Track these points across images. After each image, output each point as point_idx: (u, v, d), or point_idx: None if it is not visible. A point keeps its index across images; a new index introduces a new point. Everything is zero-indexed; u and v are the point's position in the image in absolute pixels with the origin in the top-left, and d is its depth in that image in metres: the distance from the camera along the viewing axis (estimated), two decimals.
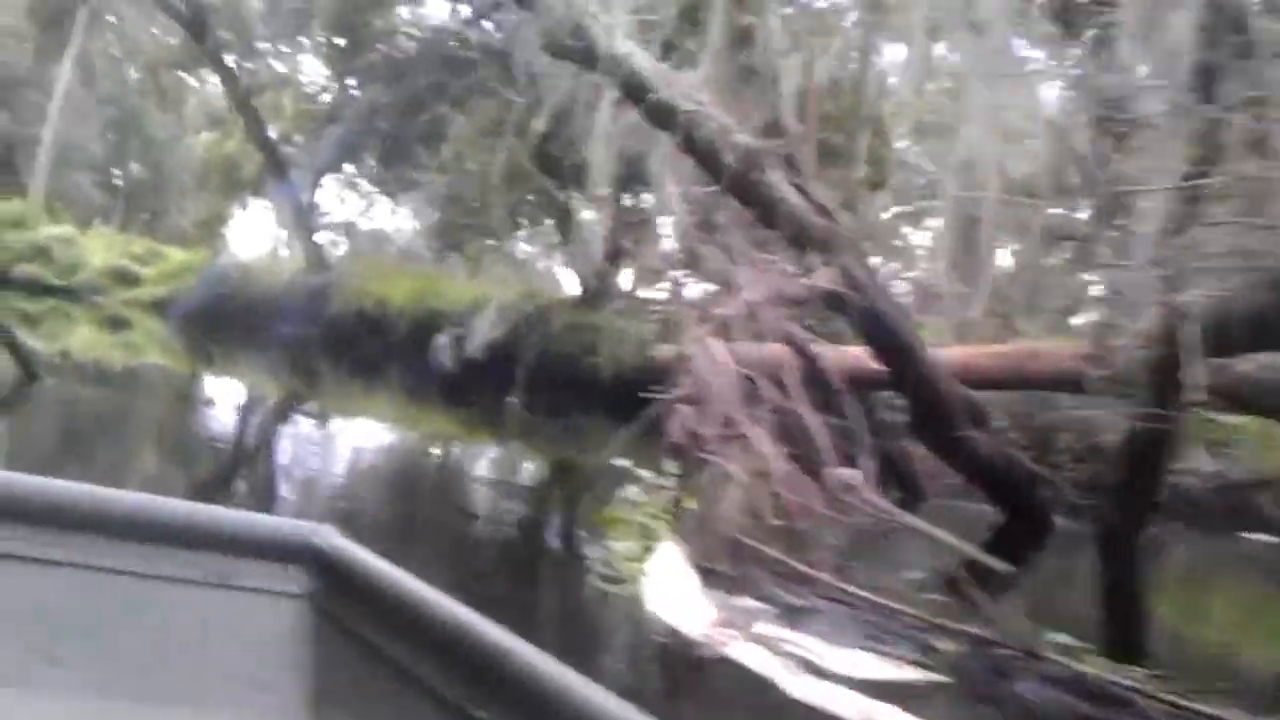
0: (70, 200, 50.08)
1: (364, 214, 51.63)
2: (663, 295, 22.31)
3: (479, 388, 23.88)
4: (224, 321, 33.86)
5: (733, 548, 9.43)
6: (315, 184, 39.69)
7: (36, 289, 37.62)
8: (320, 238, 39.07)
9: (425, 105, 29.44)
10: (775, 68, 13.82)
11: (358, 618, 2.06)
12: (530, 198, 29.77)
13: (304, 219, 37.25)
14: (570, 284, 31.49)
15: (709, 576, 8.73)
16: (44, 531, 1.99)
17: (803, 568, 9.25)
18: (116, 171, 57.89)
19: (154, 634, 2.06)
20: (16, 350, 14.86)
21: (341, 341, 30.54)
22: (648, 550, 9.33)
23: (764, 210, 12.29)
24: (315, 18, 33.23)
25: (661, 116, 12.21)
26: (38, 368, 15.15)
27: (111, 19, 56.36)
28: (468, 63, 28.95)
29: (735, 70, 13.86)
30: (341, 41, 32.40)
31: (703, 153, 12.29)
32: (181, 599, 2.09)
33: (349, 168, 34.71)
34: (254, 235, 54.95)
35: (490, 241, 31.87)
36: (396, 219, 53.75)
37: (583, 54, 12.38)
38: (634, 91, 12.29)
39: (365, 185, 45.60)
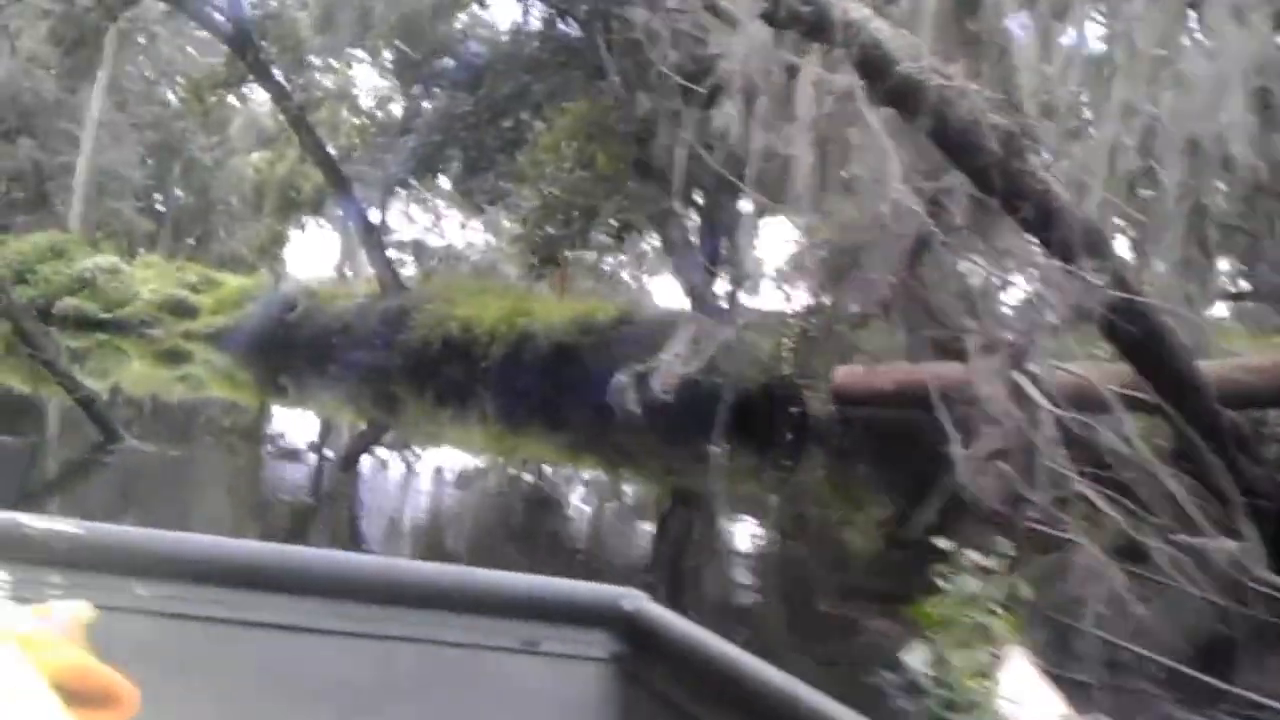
0: (111, 229, 48.18)
1: (434, 230, 50.03)
2: (793, 308, 19.87)
3: (666, 431, 21.01)
4: (292, 350, 31.91)
5: (1102, 653, 7.20)
6: (385, 200, 37.68)
7: (83, 323, 35.61)
8: (391, 257, 36.92)
9: (507, 111, 27.24)
10: (1005, 36, 11.55)
11: (667, 681, 2.04)
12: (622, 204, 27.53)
13: (373, 238, 35.08)
14: (665, 298, 29.48)
15: (1079, 694, 6.41)
16: (346, 604, 1.99)
17: (1206, 677, 7.02)
18: (159, 197, 55.91)
19: (460, 702, 2.07)
20: (93, 409, 12.82)
21: (425, 368, 28.45)
22: (994, 660, 6.90)
23: (1033, 205, 10.01)
24: (374, 26, 31.12)
25: (908, 95, 9.93)
26: (117, 426, 13.03)
27: (141, 40, 54.51)
28: (552, 64, 26.92)
29: (961, 38, 11.56)
30: (406, 49, 30.23)
31: (957, 138, 10.01)
32: (488, 666, 2.10)
33: (421, 181, 32.27)
34: (315, 257, 52.62)
35: (581, 254, 29.73)
36: (474, 234, 52.12)
37: (813, 21, 10.15)
38: (874, 65, 10.00)
39: (437, 200, 43.79)
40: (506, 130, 27.52)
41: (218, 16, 35.16)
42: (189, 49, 51.22)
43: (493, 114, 27.47)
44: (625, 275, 52.88)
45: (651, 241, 34.61)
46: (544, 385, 25.25)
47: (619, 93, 25.81)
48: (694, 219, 28.39)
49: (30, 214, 47.01)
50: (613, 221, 27.13)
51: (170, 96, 54.21)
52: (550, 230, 26.17)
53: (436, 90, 29.32)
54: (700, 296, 27.25)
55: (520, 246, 28.29)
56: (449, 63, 29.77)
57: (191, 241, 55.57)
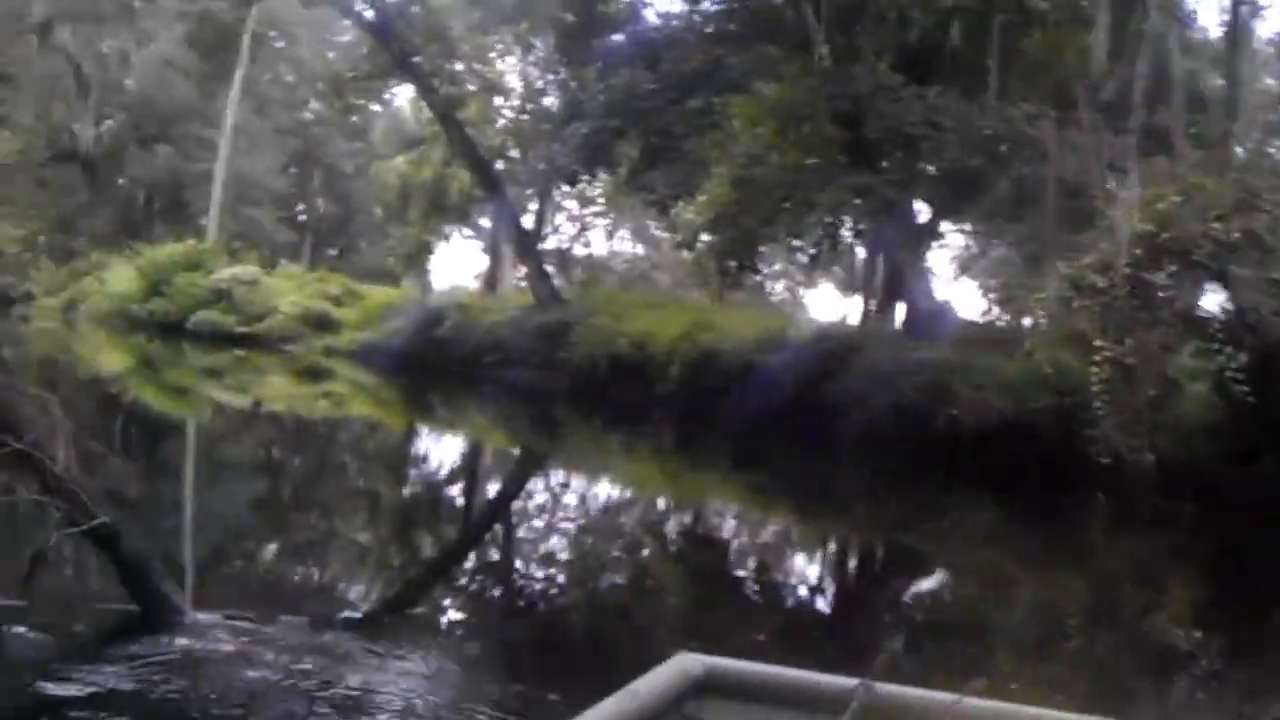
0: (251, 239, 45.65)
1: (579, 239, 46.95)
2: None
3: None
4: (441, 368, 28.86)
5: None
6: (542, 202, 34.39)
7: (218, 338, 33.06)
8: (548, 265, 33.59)
9: (695, 90, 23.41)
10: None
11: None
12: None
13: (527, 245, 31.69)
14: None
15: None
16: None
17: None
18: (301, 206, 53.38)
19: None
20: (120, 552, 6.46)
21: (590, 390, 25.07)
22: None
23: None
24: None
25: None
26: (164, 585, 6.58)
27: (280, 44, 52.14)
28: (747, 36, 23.38)
29: None
30: (572, 20, 26.70)
31: None
32: None
33: (591, 175, 28.57)
34: (460, 267, 49.32)
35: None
36: (621, 243, 49.04)
37: None
38: None
39: (583, 205, 40.62)
40: (694, 113, 23.68)
41: (359, 4, 32.30)
42: (329, 54, 48.58)
43: (679, 94, 23.66)
44: (779, 286, 49.22)
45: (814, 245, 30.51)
46: (735, 413, 21.43)
47: (828, 68, 22.17)
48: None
49: (169, 223, 44.68)
50: (824, 217, 23.26)
51: (312, 102, 51.72)
52: (747, 228, 22.48)
53: (607, 68, 25.44)
54: (918, 307, 23.48)
55: (703, 248, 24.56)
56: (620, 38, 26.10)
57: (334, 252, 53.01)
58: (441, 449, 20.71)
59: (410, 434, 21.93)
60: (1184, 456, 11.86)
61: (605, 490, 17.63)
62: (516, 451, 21.37)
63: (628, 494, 17.38)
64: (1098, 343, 13.48)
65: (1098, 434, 14.06)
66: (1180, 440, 13.11)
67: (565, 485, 17.31)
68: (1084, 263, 14.40)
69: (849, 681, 2.72)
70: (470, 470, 18.27)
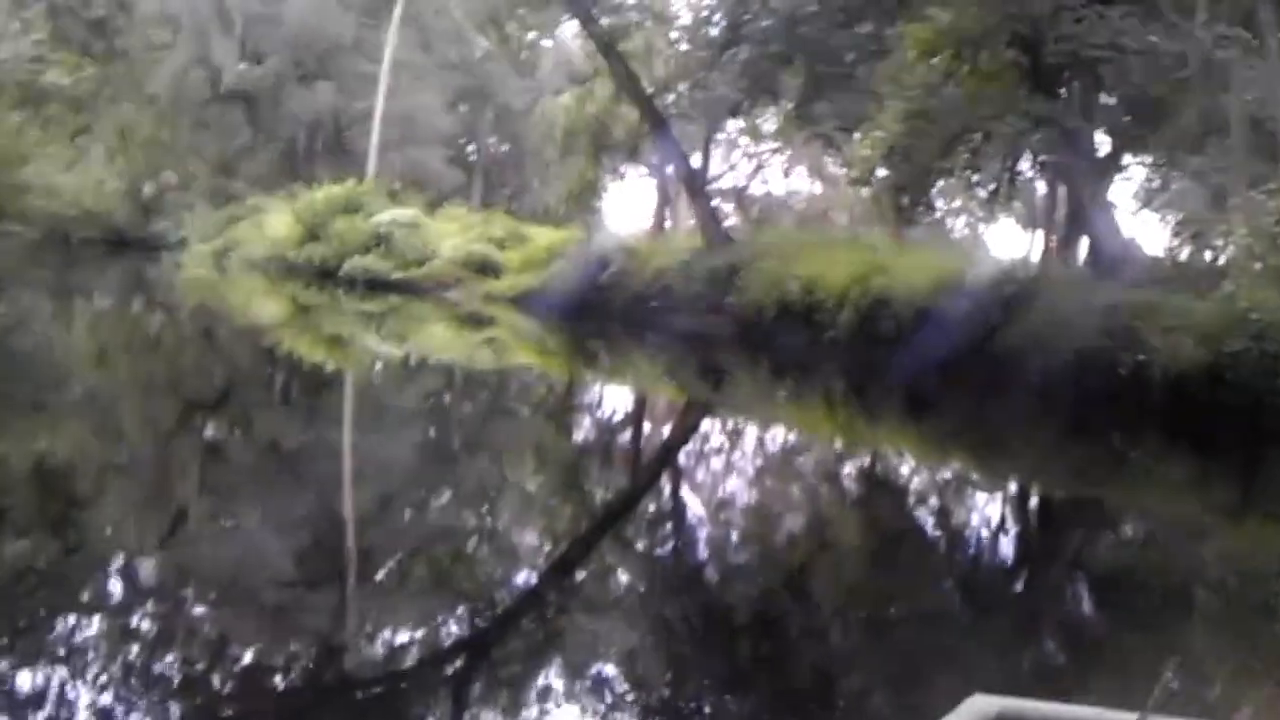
0: (417, 179, 44.73)
1: (755, 176, 45.09)
2: None
3: None
4: (605, 315, 27.81)
5: None
6: (708, 138, 32.77)
7: (373, 284, 32.45)
8: (725, 205, 32.04)
9: (864, 13, 21.69)
10: None
11: None
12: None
13: (695, 184, 30.10)
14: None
15: None
16: None
17: None
18: (470, 146, 52.33)
19: None
20: None
21: (757, 337, 24.04)
22: None
23: None
24: None
25: None
26: None
27: None
28: None
29: None
30: None
31: None
32: None
33: (754, 105, 26.89)
34: (634, 208, 47.76)
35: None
36: (798, 180, 46.95)
37: None
38: None
39: (757, 141, 38.79)
40: (863, 37, 21.97)
41: None
42: None
43: (846, 17, 21.93)
44: (959, 223, 46.89)
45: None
46: (909, 362, 19.83)
47: None
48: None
49: (331, 164, 43.96)
50: (1003, 149, 21.40)
51: (480, 38, 50.50)
52: (921, 162, 20.72)
53: None
54: (1103, 244, 21.43)
55: (878, 184, 22.84)
56: None
57: (506, 193, 51.93)
58: (605, 405, 19.34)
59: (570, 390, 20.59)
60: None
61: (786, 449, 16.19)
62: (683, 405, 19.99)
63: (809, 452, 15.99)
64: None
65: None
66: None
67: (742, 443, 16.16)
68: None
69: (1130, 716, 2.82)
70: (636, 428, 17.07)
